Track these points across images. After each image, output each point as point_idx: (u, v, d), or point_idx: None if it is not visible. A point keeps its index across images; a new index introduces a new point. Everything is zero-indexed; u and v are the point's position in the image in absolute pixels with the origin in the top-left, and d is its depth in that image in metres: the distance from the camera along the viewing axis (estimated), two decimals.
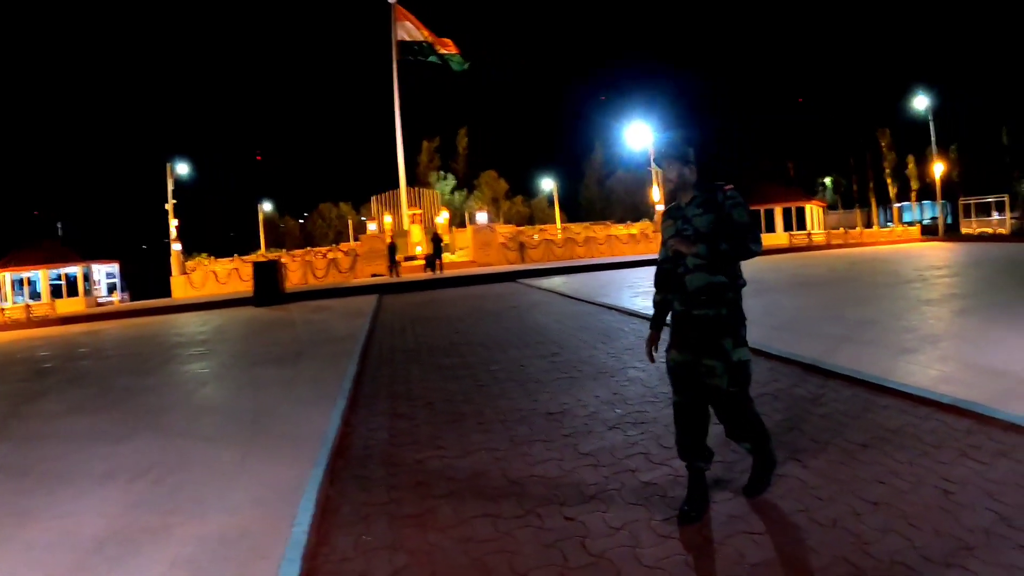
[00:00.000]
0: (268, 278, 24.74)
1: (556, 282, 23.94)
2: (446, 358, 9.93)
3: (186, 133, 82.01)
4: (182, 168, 36.65)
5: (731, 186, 3.90)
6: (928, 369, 6.96)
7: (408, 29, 42.39)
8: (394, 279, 31.30)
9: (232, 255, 38.63)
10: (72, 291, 33.53)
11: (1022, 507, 3.79)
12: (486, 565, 3.58)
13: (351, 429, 6.45)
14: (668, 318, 4.20)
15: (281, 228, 69.03)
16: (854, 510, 3.91)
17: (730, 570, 3.37)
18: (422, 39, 42.56)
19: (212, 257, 39.66)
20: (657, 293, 4.21)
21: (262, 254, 44.12)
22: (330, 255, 37.98)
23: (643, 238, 42.50)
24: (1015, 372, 6.56)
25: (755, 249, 3.79)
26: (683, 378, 3.98)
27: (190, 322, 20.02)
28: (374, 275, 34.30)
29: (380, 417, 6.85)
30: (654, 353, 4.22)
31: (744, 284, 3.94)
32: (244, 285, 32.76)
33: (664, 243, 4.08)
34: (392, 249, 34.01)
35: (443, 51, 42.87)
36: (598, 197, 74.47)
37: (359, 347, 11.22)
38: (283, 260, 32.72)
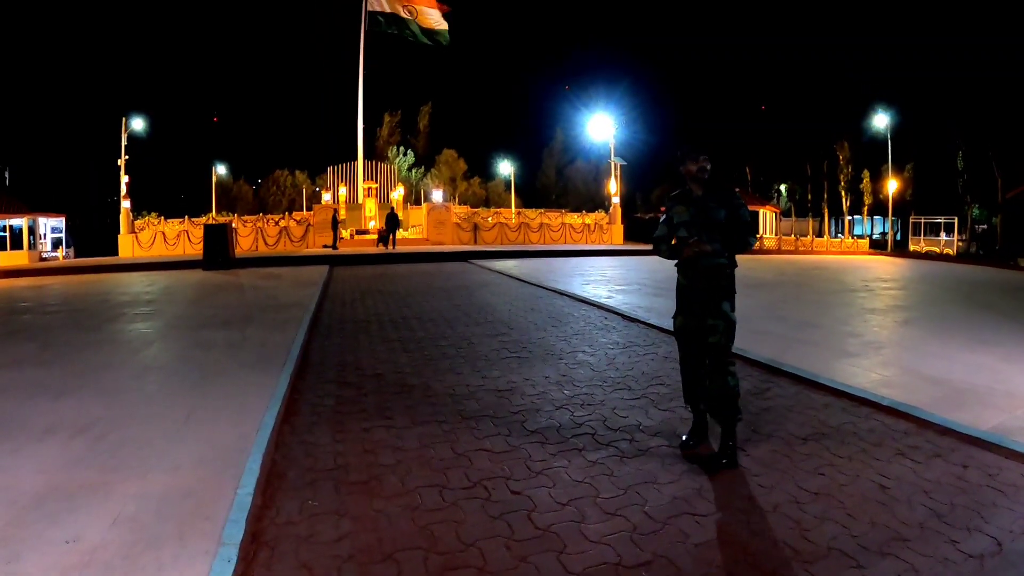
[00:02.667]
0: (218, 242, 24.26)
1: (508, 265, 23.98)
2: (396, 331, 9.91)
3: (143, 88, 79.71)
4: (137, 124, 35.67)
5: (739, 189, 4.52)
6: (870, 372, 7.15)
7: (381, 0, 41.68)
8: (336, 252, 30.98)
9: (183, 216, 37.77)
10: (16, 243, 32.54)
11: (955, 505, 3.94)
12: (433, 534, 3.60)
13: (298, 395, 6.42)
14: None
15: (234, 192, 67.84)
16: (794, 498, 4.03)
17: (673, 548, 3.44)
18: (398, 10, 41.77)
19: (162, 217, 38.80)
20: (663, 246, 4.96)
21: (213, 217, 43.32)
22: (282, 223, 37.41)
23: (597, 228, 42.48)
24: (952, 381, 6.79)
25: (752, 243, 4.83)
26: (688, 338, 4.85)
27: (137, 282, 19.62)
28: (326, 246, 33.96)
29: (328, 385, 6.82)
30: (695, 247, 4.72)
31: (736, 264, 4.80)
32: (193, 248, 32.16)
33: (671, 222, 4.88)
34: (335, 221, 33.64)
35: (421, 20, 42.07)
36: (555, 184, 74.59)
37: (309, 315, 11.12)
38: (234, 225, 32.20)
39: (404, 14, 41.99)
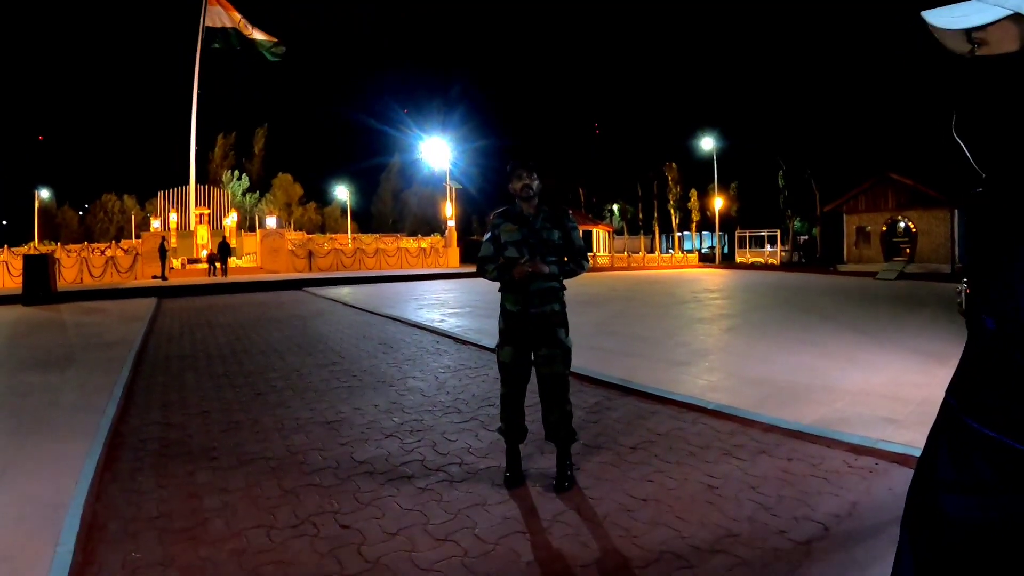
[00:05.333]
0: (39, 274, 22.61)
1: (343, 292, 24.06)
2: (224, 366, 9.59)
3: None
4: None
5: (572, 210, 4.40)
6: (697, 379, 7.47)
7: (219, 15, 40.42)
8: (165, 282, 29.77)
9: (2, 246, 35.08)
10: None
11: (781, 497, 4.17)
12: None
13: (121, 440, 6.02)
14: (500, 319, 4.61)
15: (58, 219, 63.85)
16: (624, 507, 4.12)
17: (505, 569, 3.43)
18: (232, 25, 40.65)
19: None
20: (490, 266, 4.59)
21: (34, 247, 40.64)
22: (109, 252, 35.35)
23: (433, 252, 42.95)
24: (775, 381, 7.25)
25: (585, 267, 4.66)
26: (515, 372, 4.51)
27: None
28: (155, 276, 32.51)
29: (152, 427, 6.45)
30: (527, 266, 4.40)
31: (565, 288, 4.62)
32: (14, 281, 29.79)
33: (497, 241, 4.55)
34: (163, 249, 32.34)
35: (254, 37, 41.07)
36: (391, 210, 74.65)
37: (133, 353, 10.60)
38: (57, 255, 30.26)
39: (240, 32, 40.99)
